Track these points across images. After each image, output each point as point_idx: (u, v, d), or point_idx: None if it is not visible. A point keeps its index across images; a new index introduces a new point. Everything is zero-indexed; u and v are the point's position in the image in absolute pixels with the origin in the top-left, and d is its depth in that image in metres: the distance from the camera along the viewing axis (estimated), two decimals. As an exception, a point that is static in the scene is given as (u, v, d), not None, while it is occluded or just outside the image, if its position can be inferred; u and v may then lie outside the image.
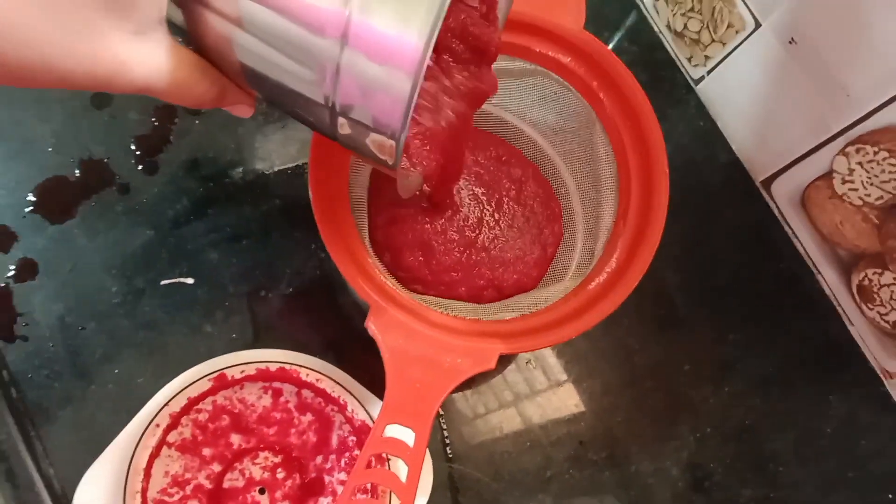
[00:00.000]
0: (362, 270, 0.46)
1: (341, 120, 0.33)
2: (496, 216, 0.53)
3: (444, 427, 0.53)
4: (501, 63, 0.52)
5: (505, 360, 0.57)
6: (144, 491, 0.46)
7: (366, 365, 0.49)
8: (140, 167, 0.55)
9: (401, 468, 0.41)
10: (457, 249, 0.51)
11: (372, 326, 0.43)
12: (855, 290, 0.61)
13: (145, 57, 0.30)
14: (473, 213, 0.52)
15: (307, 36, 0.31)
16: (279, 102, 0.35)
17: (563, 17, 0.50)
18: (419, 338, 0.43)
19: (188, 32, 0.33)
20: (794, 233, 0.65)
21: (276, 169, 0.57)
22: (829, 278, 0.63)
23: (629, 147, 0.50)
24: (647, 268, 0.45)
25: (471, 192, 0.53)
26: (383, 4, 0.30)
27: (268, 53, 0.32)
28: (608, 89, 0.50)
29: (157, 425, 0.46)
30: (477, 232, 0.52)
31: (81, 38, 0.27)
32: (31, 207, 0.53)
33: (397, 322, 0.44)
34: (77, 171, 0.54)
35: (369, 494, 0.46)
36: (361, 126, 0.33)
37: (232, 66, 0.33)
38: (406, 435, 0.41)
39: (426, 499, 0.48)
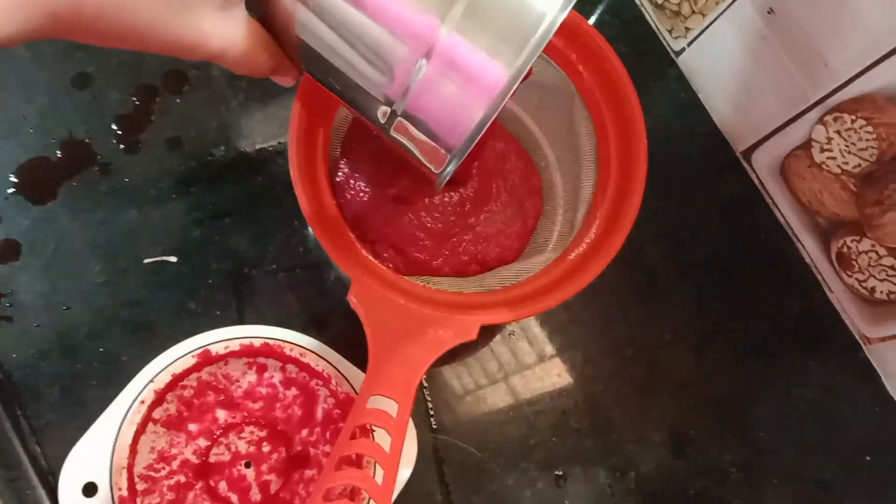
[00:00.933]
0: (344, 245, 0.47)
1: (398, 122, 0.33)
2: (480, 191, 0.53)
3: (429, 398, 0.54)
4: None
5: (488, 332, 0.57)
6: (131, 467, 0.46)
7: (349, 339, 0.50)
8: (122, 146, 0.55)
9: (384, 439, 0.42)
10: (431, 243, 0.51)
11: (354, 300, 0.43)
12: (834, 258, 0.62)
13: (224, 29, 0.32)
14: (458, 189, 0.53)
15: (387, 39, 0.30)
16: (328, 83, 0.35)
17: None
18: (401, 310, 0.44)
19: (259, 4, 0.33)
20: (774, 203, 0.65)
21: (257, 146, 0.57)
22: (809, 247, 0.64)
23: (608, 119, 0.50)
24: (626, 237, 0.46)
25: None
26: (482, 31, 0.29)
27: (336, 43, 0.32)
28: (587, 62, 0.50)
29: (143, 402, 0.47)
30: (460, 208, 0.52)
31: (177, 11, 0.30)
32: (13, 189, 0.53)
33: (379, 295, 0.44)
34: (58, 152, 0.54)
35: (354, 466, 0.47)
36: (418, 134, 0.33)
37: (289, 41, 0.34)
38: (389, 406, 0.41)
39: (410, 469, 0.49)
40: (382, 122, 0.34)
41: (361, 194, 0.50)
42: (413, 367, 0.43)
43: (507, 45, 0.29)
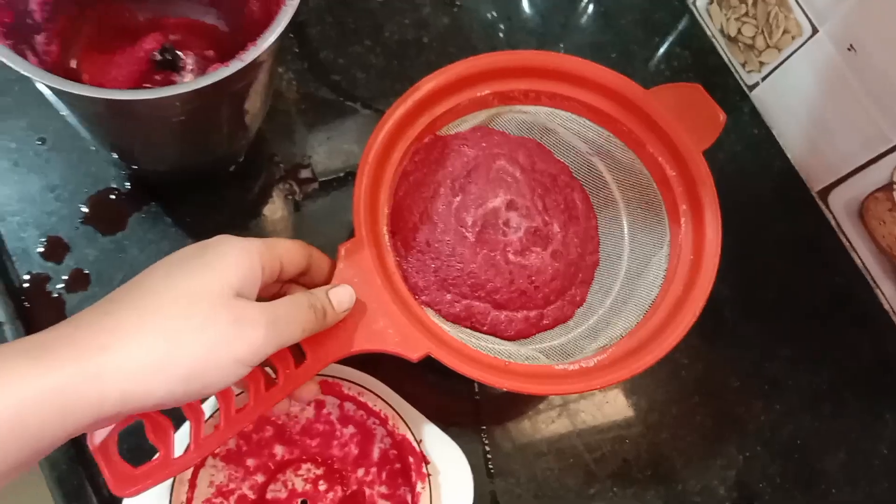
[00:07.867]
0: (372, 216, 0.47)
1: None
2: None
3: (486, 442, 0.53)
4: (617, 151, 0.54)
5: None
6: (189, 501, 0.46)
7: (406, 380, 0.49)
8: (188, 180, 0.56)
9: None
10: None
11: (343, 251, 0.44)
12: (914, 306, 0.59)
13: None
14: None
15: None
16: None
17: (695, 132, 0.51)
18: (374, 288, 0.44)
19: None
20: (851, 245, 0.63)
21: (321, 179, 0.57)
22: (888, 293, 0.61)
23: (685, 262, 0.51)
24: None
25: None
26: None
27: None
28: (695, 215, 0.51)
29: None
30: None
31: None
32: (83, 219, 0.54)
33: (367, 265, 0.44)
34: (128, 184, 0.55)
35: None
36: None
37: None
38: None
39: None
40: None
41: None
42: (342, 343, 0.43)
43: None
